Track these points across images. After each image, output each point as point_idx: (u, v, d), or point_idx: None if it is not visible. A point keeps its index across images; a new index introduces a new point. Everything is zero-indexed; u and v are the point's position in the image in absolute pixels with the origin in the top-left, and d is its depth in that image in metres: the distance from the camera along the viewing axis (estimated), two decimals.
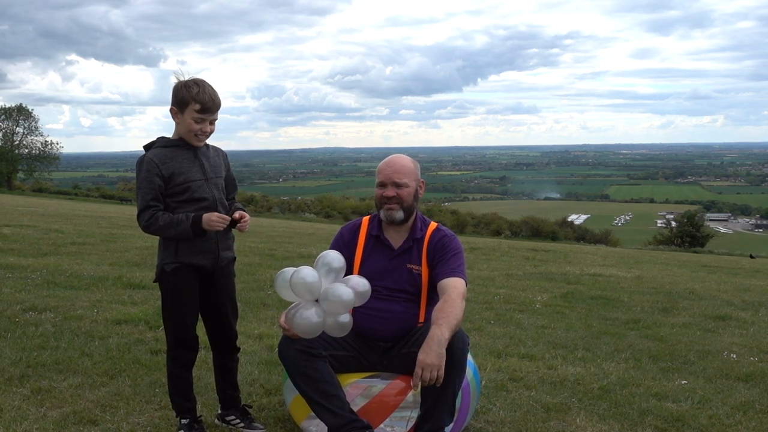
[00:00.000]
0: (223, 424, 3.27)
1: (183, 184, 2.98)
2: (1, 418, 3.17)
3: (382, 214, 3.20)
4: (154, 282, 3.12)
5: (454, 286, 2.98)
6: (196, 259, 3.02)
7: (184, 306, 3.07)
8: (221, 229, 2.95)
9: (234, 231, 3.14)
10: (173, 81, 2.99)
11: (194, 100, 2.92)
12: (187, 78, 2.97)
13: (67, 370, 3.92)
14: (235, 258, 3.25)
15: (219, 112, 3.04)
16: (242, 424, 3.24)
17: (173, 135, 3.06)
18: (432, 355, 2.65)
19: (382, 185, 3.16)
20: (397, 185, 3.13)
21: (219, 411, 3.33)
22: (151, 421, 3.24)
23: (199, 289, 3.10)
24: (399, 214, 3.15)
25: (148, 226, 2.96)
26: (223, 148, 3.22)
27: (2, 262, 7.92)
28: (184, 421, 3.12)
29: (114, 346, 4.47)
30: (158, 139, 3.07)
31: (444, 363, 2.68)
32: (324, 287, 2.81)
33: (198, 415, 3.19)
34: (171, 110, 3.00)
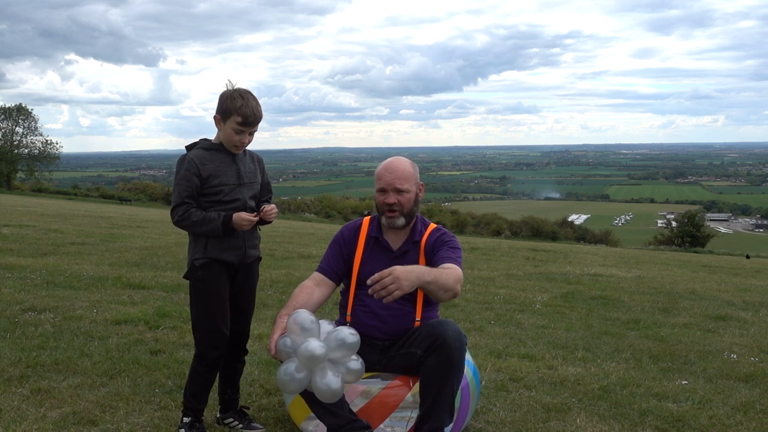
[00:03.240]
0: (223, 426, 3.26)
1: (217, 187, 3.07)
2: (1, 418, 3.17)
3: (383, 220, 3.20)
4: (184, 278, 3.18)
5: (453, 267, 3.01)
6: (224, 255, 3.10)
7: (212, 300, 3.13)
8: (247, 228, 3.05)
9: (259, 230, 3.26)
10: (224, 88, 3.09)
11: (237, 113, 3.00)
12: (235, 88, 3.06)
13: (66, 371, 3.91)
14: (260, 258, 3.31)
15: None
16: (241, 426, 3.25)
17: (215, 139, 3.16)
18: (406, 276, 2.71)
19: (383, 191, 3.16)
20: (399, 191, 3.13)
21: (218, 414, 3.33)
22: (151, 421, 3.24)
23: (228, 284, 3.16)
24: (401, 221, 3.16)
25: (180, 221, 3.04)
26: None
27: (1, 262, 7.92)
28: (186, 419, 3.12)
29: (113, 346, 4.47)
30: (201, 140, 3.17)
31: (406, 289, 2.71)
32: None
33: (202, 417, 3.19)
34: (215, 117, 3.09)
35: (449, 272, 2.92)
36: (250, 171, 3.20)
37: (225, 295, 3.15)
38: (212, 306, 3.13)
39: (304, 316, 2.84)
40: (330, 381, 2.74)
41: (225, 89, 3.07)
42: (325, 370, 2.75)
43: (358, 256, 3.22)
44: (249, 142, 3.13)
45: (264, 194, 3.30)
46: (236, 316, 3.24)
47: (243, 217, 3.01)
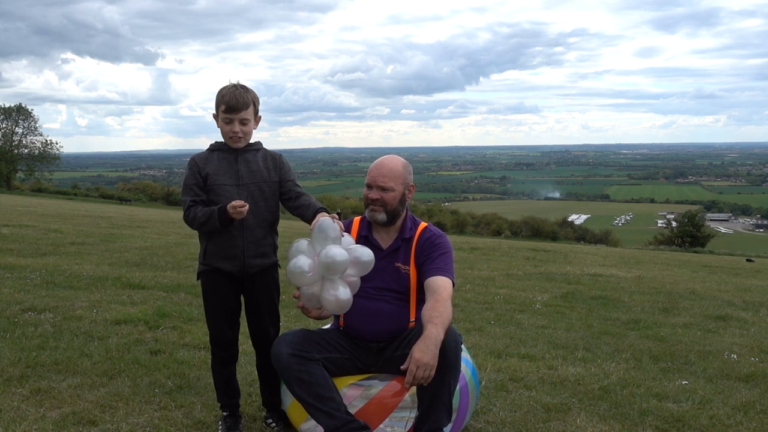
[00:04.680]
0: (262, 424, 3.31)
1: (213, 186, 3.07)
2: (1, 418, 3.17)
3: (366, 213, 3.23)
4: (197, 280, 3.27)
5: (443, 286, 2.98)
6: (222, 264, 3.11)
7: (214, 307, 3.20)
8: (240, 216, 2.94)
9: (279, 238, 3.26)
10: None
11: (221, 102, 3.04)
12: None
13: (66, 371, 3.91)
14: (274, 264, 3.25)
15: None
16: (277, 427, 3.28)
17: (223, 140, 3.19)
18: (428, 354, 2.66)
19: (368, 186, 3.19)
20: (382, 188, 3.13)
21: (265, 413, 3.39)
22: (151, 421, 3.24)
23: (232, 291, 3.17)
24: (381, 216, 3.16)
25: (191, 222, 3.06)
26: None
27: (1, 262, 7.91)
28: (224, 413, 3.26)
29: (113, 346, 4.47)
30: (214, 143, 3.19)
31: (434, 363, 2.67)
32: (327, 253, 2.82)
33: (238, 411, 3.29)
34: (213, 116, 3.13)
35: (444, 305, 2.87)
36: (255, 170, 3.12)
37: (228, 302, 3.18)
38: (214, 313, 3.20)
39: (329, 223, 2.87)
40: (339, 292, 2.80)
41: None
42: (335, 282, 2.81)
43: None
44: (245, 133, 3.08)
45: (290, 188, 3.18)
46: (255, 323, 3.29)
47: (232, 204, 2.91)
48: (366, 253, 2.89)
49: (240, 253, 3.09)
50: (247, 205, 2.94)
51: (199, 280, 3.22)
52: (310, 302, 2.93)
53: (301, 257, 2.85)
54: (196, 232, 3.17)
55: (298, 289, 2.92)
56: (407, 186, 3.19)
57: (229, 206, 2.92)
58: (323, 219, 2.88)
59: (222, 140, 3.15)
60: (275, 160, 3.20)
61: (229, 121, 3.03)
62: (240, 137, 3.08)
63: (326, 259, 2.77)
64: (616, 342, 5.42)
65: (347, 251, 2.83)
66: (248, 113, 3.06)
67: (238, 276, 3.13)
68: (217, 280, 3.13)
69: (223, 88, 3.06)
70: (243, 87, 3.06)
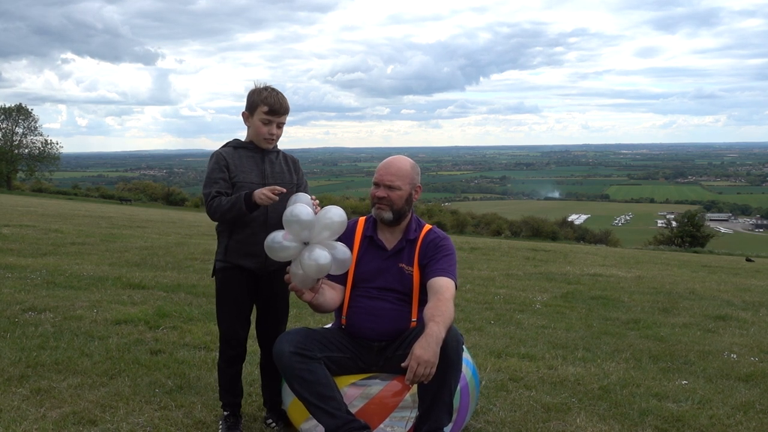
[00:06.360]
0: (262, 424, 3.32)
1: (239, 183, 3.12)
2: (1, 418, 3.17)
3: (373, 211, 3.25)
4: (212, 277, 3.29)
5: (446, 287, 2.99)
6: (243, 261, 3.15)
7: (228, 304, 3.23)
8: (268, 203, 2.97)
9: None
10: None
11: (263, 103, 3.09)
12: (262, 85, 3.16)
13: (66, 371, 3.92)
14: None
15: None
16: (277, 427, 3.29)
17: (245, 138, 3.23)
18: (429, 351, 2.66)
19: (376, 185, 3.20)
20: (389, 187, 3.15)
21: (265, 413, 3.41)
22: (151, 421, 3.24)
23: (248, 290, 3.22)
24: (388, 215, 3.17)
25: (213, 212, 3.07)
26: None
27: (2, 262, 7.92)
28: (225, 412, 3.26)
29: (113, 346, 4.47)
30: (233, 140, 3.25)
31: (435, 361, 2.68)
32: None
33: (239, 411, 3.30)
34: (243, 114, 3.19)
35: (447, 304, 2.88)
36: (278, 172, 3.22)
37: (243, 300, 3.22)
38: (228, 310, 3.23)
39: (302, 194, 2.95)
40: (317, 255, 2.81)
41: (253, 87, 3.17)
42: (312, 247, 2.83)
43: (354, 256, 3.22)
44: (279, 135, 3.18)
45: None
46: (268, 320, 3.32)
47: (264, 191, 2.95)
48: (338, 213, 2.91)
49: (262, 250, 3.09)
50: (283, 191, 2.99)
51: (214, 277, 3.25)
52: (302, 283, 2.92)
53: (274, 233, 2.88)
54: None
55: (288, 272, 2.94)
56: (414, 186, 3.21)
57: (258, 192, 2.94)
58: (299, 193, 3.00)
59: (241, 139, 3.22)
60: (295, 163, 3.32)
61: (268, 123, 3.12)
62: (273, 139, 3.18)
63: (291, 217, 2.80)
64: (616, 342, 5.42)
65: (320, 214, 2.88)
66: (285, 118, 3.18)
67: (258, 273, 3.18)
68: (235, 278, 3.18)
69: (263, 90, 3.11)
70: (281, 92, 3.14)
